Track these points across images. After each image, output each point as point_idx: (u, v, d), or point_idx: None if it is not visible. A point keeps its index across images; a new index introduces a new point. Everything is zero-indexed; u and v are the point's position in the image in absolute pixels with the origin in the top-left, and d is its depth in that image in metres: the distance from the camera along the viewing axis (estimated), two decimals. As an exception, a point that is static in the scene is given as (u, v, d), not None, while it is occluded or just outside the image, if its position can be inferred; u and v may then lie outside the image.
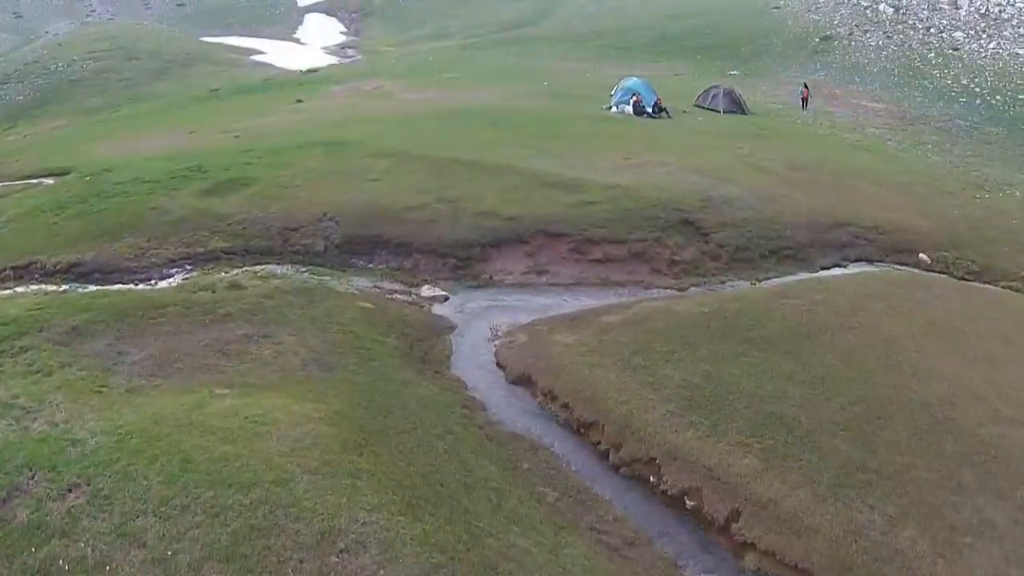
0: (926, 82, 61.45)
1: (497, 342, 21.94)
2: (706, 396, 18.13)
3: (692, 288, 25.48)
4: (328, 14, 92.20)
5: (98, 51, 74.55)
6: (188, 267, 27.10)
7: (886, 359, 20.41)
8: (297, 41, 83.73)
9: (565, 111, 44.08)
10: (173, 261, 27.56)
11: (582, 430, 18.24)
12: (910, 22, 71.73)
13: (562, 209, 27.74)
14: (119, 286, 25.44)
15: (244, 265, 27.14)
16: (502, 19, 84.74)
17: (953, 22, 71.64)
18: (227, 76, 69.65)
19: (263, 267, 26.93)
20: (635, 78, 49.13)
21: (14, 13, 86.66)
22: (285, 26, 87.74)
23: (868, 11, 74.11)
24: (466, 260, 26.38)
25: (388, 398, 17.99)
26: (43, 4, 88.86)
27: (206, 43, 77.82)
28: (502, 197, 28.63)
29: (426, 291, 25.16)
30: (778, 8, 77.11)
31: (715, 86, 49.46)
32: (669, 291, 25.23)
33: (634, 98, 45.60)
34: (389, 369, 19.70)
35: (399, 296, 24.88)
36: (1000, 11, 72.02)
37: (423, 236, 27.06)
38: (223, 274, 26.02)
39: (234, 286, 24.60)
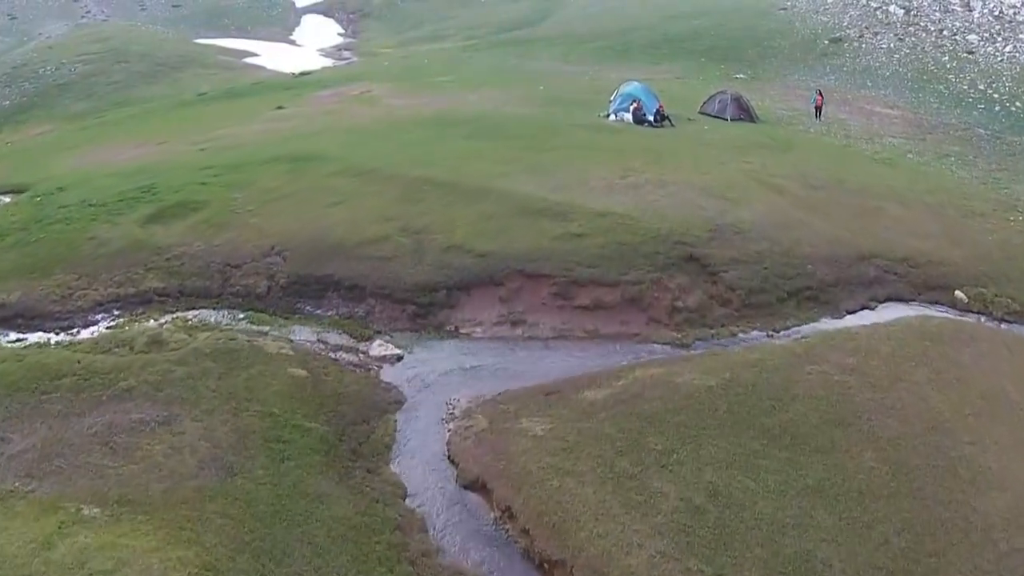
0: (941, 87, 55.73)
1: (452, 425, 16.75)
2: (710, 526, 12.99)
3: (697, 343, 20.24)
4: (326, 15, 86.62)
5: (88, 54, 69.37)
6: (116, 312, 23.07)
7: (936, 456, 15.41)
8: (293, 43, 78.39)
9: (559, 119, 38.71)
10: (100, 304, 23.41)
11: (545, 567, 13.08)
12: (922, 24, 65.88)
13: (545, 243, 22.48)
14: (39, 335, 22.00)
15: (177, 310, 22.81)
16: (501, 20, 79.16)
17: (966, 24, 65.77)
18: (218, 79, 64.42)
19: (197, 312, 22.54)
20: (635, 82, 43.64)
21: (8, 15, 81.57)
22: (282, 27, 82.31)
23: (878, 12, 68.26)
24: (428, 307, 21.23)
25: (290, 529, 12.89)
26: (38, 5, 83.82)
27: (200, 45, 72.60)
28: (476, 228, 23.41)
29: (377, 348, 20.00)
30: (784, 9, 71.31)
31: (722, 92, 43.92)
32: (669, 347, 20.02)
33: (634, 104, 40.09)
34: (305, 474, 14.61)
35: (343, 355, 19.75)
36: (1015, 13, 66.07)
37: (379, 277, 21.90)
38: (151, 322, 21.98)
39: (154, 342, 20.33)
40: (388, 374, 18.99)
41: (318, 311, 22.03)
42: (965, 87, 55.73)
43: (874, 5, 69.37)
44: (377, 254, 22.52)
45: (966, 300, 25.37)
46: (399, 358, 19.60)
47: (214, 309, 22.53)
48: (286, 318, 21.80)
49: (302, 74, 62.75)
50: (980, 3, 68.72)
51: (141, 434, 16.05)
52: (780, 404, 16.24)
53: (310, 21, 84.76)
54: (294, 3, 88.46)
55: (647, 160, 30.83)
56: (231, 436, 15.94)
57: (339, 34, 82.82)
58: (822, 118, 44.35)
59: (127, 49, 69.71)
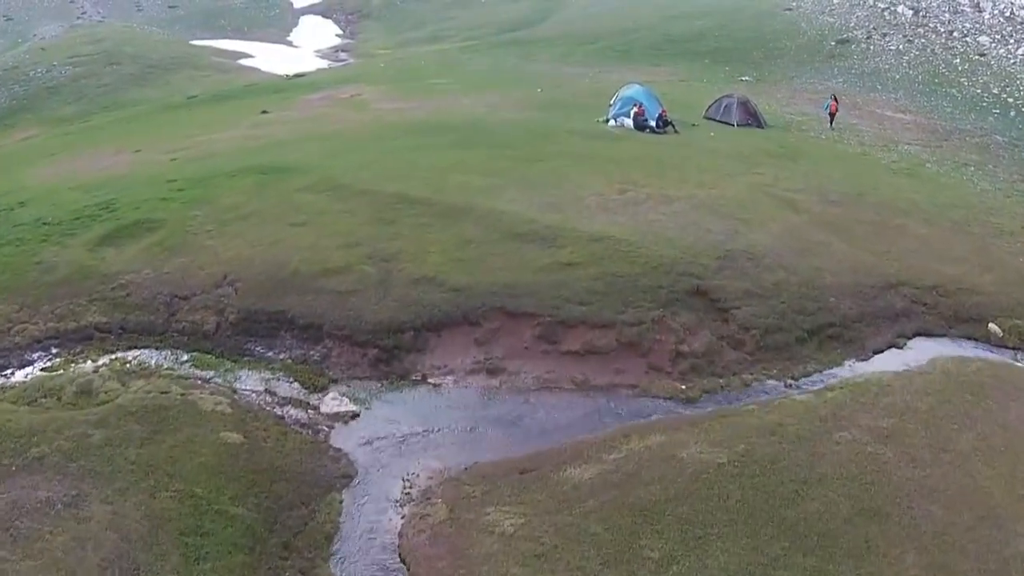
0: (954, 91, 52.06)
1: (408, 510, 13.41)
2: None
3: (705, 398, 16.83)
4: (324, 16, 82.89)
5: (80, 56, 66.04)
6: (54, 350, 19.95)
7: (987, 555, 11.95)
8: (290, 44, 74.87)
9: (555, 124, 35.27)
10: (39, 341, 20.27)
11: None
12: (931, 25, 62.13)
13: (529, 275, 19.07)
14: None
15: (117, 349, 19.72)
16: (501, 21, 75.54)
17: (977, 26, 62.01)
18: (210, 82, 61.09)
19: (138, 353, 19.39)
20: (637, 85, 40.14)
21: (4, 16, 78.28)
22: (279, 29, 78.74)
23: (886, 13, 64.51)
24: (392, 351, 17.85)
25: None
26: (34, 6, 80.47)
27: (194, 46, 69.21)
28: (451, 255, 20.03)
29: (330, 402, 16.67)
30: (790, 9, 67.55)
31: (728, 95, 40.35)
32: (672, 403, 16.63)
33: (635, 109, 36.58)
34: (217, 585, 11.30)
35: (291, 412, 16.44)
36: (1027, 13, 62.44)
37: (338, 315, 18.54)
38: (88, 363, 18.88)
39: (83, 392, 17.52)
40: (339, 437, 15.66)
41: (269, 353, 18.71)
42: (978, 91, 52.10)
43: (881, 6, 65.63)
44: (337, 287, 19.15)
45: (1000, 334, 22.02)
46: (354, 416, 16.25)
47: (156, 349, 19.28)
48: (234, 361, 18.50)
49: (296, 76, 59.40)
50: (990, 4, 64.98)
51: (45, 518, 12.89)
52: (805, 489, 12.91)
53: (308, 22, 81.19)
54: (292, 4, 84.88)
55: (648, 172, 27.42)
56: (144, 525, 12.70)
57: (337, 35, 79.26)
58: (835, 125, 40.66)
59: (119, 51, 66.40)
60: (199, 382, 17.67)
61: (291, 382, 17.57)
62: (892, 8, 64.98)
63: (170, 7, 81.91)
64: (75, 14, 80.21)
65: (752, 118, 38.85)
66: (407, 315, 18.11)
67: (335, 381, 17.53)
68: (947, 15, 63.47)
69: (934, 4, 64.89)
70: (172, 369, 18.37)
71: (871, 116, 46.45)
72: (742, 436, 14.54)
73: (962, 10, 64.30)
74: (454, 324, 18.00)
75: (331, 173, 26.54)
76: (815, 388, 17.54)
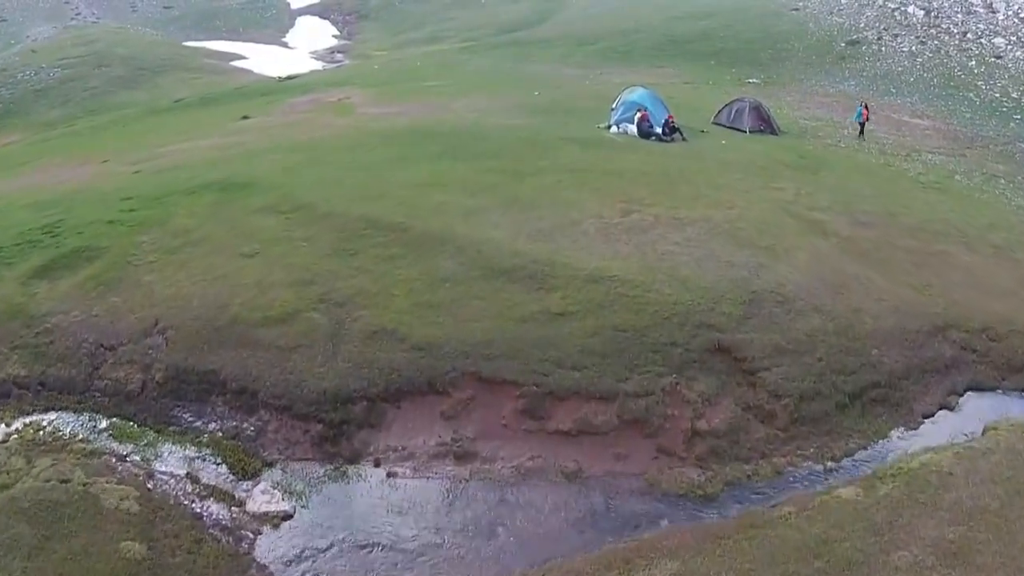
0: (971, 94, 47.81)
1: None
2: None
3: (727, 491, 12.79)
4: (321, 16, 78.39)
5: (69, 58, 62.01)
6: None
7: None
8: (285, 45, 70.62)
9: (551, 131, 31.10)
10: None
11: None
12: (943, 26, 57.71)
13: (511, 329, 14.98)
14: None
15: (35, 410, 15.92)
16: (500, 22, 71.15)
17: (991, 27, 57.59)
18: (200, 84, 57.05)
19: (55, 417, 15.57)
20: (641, 88, 35.91)
21: (-2, 17, 74.42)
22: (275, 29, 74.38)
23: (896, 13, 60.04)
24: (340, 426, 13.84)
25: None
26: (28, 7, 76.34)
27: (187, 48, 65.09)
28: (419, 300, 15.94)
29: (259, 497, 12.73)
30: (796, 9, 63.07)
31: (738, 99, 36.10)
32: (687, 501, 12.59)
33: (639, 114, 32.33)
34: None
35: (212, 508, 12.52)
36: (1042, 14, 58.06)
37: (276, 378, 14.52)
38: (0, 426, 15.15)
39: None
40: (266, 547, 11.69)
41: (198, 422, 14.74)
42: (997, 95, 47.83)
43: (891, 6, 61.18)
44: (279, 341, 15.12)
45: (1061, 387, 18.06)
46: (287, 517, 12.28)
47: (75, 412, 15.46)
48: (157, 431, 14.58)
49: (288, 78, 55.35)
50: (1004, 4, 60.56)
51: None
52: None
53: (304, 23, 76.84)
54: (289, 4, 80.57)
55: (656, 188, 23.28)
56: None
57: (334, 36, 74.98)
58: (861, 134, 36.13)
59: (110, 53, 62.37)
60: (112, 462, 13.83)
61: (218, 464, 13.60)
62: (902, 8, 60.55)
63: (165, 8, 77.72)
64: (69, 15, 76.17)
65: (765, 124, 34.66)
66: (359, 381, 14.06)
67: (270, 464, 13.54)
68: (960, 15, 59.06)
69: (946, 4, 60.46)
70: (87, 441, 14.52)
71: (888, 121, 42.21)
72: (778, 561, 10.53)
73: (975, 11, 59.88)
74: (416, 393, 13.96)
75: (296, 190, 22.49)
76: (861, 474, 13.50)
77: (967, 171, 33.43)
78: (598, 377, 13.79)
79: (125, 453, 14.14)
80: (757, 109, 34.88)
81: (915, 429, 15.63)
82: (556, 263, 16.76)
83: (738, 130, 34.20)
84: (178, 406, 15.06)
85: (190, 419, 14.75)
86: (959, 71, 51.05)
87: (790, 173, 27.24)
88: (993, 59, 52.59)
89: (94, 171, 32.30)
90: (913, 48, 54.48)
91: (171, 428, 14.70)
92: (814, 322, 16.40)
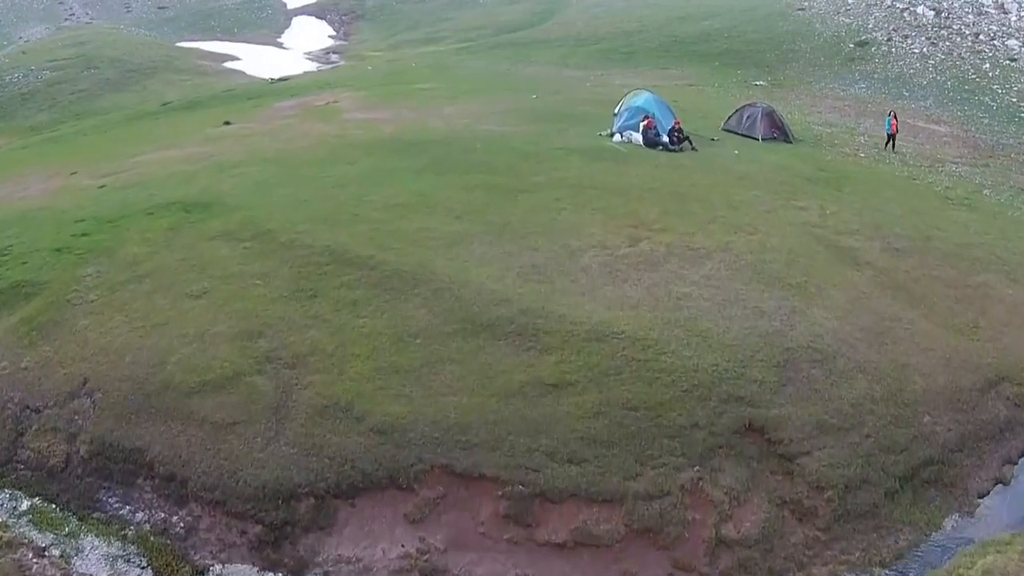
0: (987, 99, 44.39)
1: None
2: None
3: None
4: (318, 17, 74.45)
5: (58, 60, 58.43)
6: None
7: None
8: (280, 46, 67.03)
9: (549, 140, 27.76)
10: None
11: None
12: (955, 27, 54.11)
13: (494, 407, 11.72)
14: None
15: None
16: (499, 22, 67.49)
17: (1003, 28, 54.04)
18: (189, 86, 53.57)
19: None
20: (646, 92, 32.50)
21: (-9, 18, 70.87)
22: (270, 30, 70.63)
23: (905, 14, 56.39)
24: (283, 528, 10.64)
25: None
26: (22, 8, 72.69)
27: (179, 49, 61.49)
28: (382, 363, 12.69)
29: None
30: (802, 10, 59.36)
31: (750, 104, 32.68)
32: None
33: (645, 121, 28.93)
34: None
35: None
36: (1055, 15, 54.54)
37: (209, 464, 11.40)
38: None
39: None
40: None
41: (124, 510, 11.68)
42: (1014, 99, 44.44)
43: (900, 6, 57.56)
44: (215, 414, 11.94)
45: None
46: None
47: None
48: (81, 518, 11.50)
49: (279, 80, 51.91)
50: (1016, 5, 57.01)
51: None
52: None
53: (300, 23, 73.14)
54: (285, 4, 76.85)
55: (666, 209, 19.94)
56: None
57: (330, 36, 71.28)
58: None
59: (100, 54, 58.84)
60: (29, 558, 10.67)
61: (143, 567, 10.39)
62: (912, 8, 56.96)
63: (159, 8, 74.07)
64: (63, 16, 72.55)
65: (779, 131, 31.31)
66: (305, 472, 10.86)
67: (201, 573, 10.30)
68: (971, 16, 55.47)
69: (956, 5, 56.86)
70: (4, 527, 11.34)
71: (904, 127, 38.62)
72: None
73: (986, 11, 56.32)
74: (375, 488, 10.81)
75: (260, 213, 19.18)
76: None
77: (994, 184, 30.05)
78: (601, 474, 10.53)
79: (44, 545, 11.09)
80: (770, 115, 31.53)
81: (971, 514, 12.57)
82: (551, 314, 13.42)
83: (750, 137, 30.86)
84: (104, 488, 11.97)
85: (116, 505, 11.65)
86: (973, 74, 47.60)
87: (812, 188, 23.90)
88: (1008, 62, 49.13)
89: (60, 185, 29.02)
90: (924, 50, 50.99)
91: (96, 515, 11.56)
92: (859, 386, 13.12)
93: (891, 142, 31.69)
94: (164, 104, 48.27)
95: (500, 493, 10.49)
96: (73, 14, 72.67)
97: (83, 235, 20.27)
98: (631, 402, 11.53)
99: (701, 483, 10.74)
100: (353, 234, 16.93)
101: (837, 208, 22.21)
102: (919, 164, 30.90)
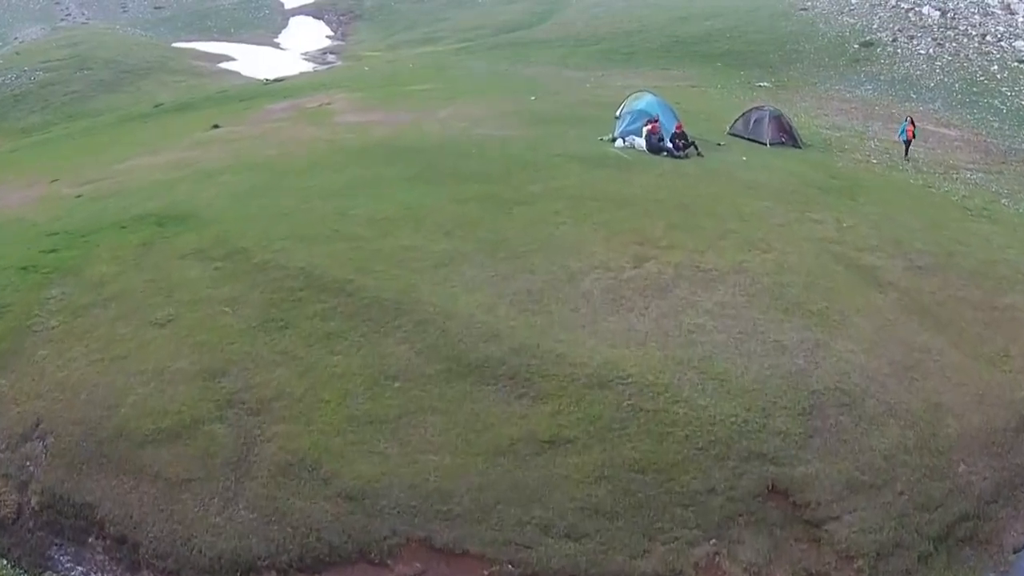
0: (996, 102, 42.54)
1: None
2: None
3: None
4: (315, 17, 72.42)
5: (52, 60, 56.65)
6: None
7: None
8: (277, 46, 65.16)
9: (547, 145, 26.02)
10: None
11: None
12: (961, 28, 52.25)
13: (480, 469, 10.08)
14: None
15: None
16: (498, 22, 65.59)
17: (1011, 29, 52.16)
18: (183, 87, 51.83)
19: None
20: (649, 94, 30.68)
21: (-15, 18, 69.02)
22: (267, 30, 68.67)
23: (910, 14, 54.54)
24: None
25: None
26: (17, 9, 70.79)
27: (175, 49, 59.65)
28: (354, 414, 10.99)
29: None
30: (805, 10, 57.53)
31: (757, 108, 30.87)
32: None
33: (649, 126, 27.07)
34: None
35: None
36: (1061, 16, 52.69)
37: (161, 528, 9.89)
38: None
39: None
40: None
41: (75, 572, 9.96)
42: (1023, 102, 42.69)
43: (905, 6, 55.72)
44: (169, 468, 10.41)
45: None
46: None
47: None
48: None
49: (274, 81, 50.19)
50: (1023, 6, 55.18)
51: None
52: None
53: (298, 23, 71.22)
54: (283, 4, 74.90)
55: (673, 222, 18.19)
56: None
57: (327, 37, 69.36)
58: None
59: (94, 55, 57.06)
60: None
61: None
62: (917, 9, 55.13)
63: (156, 8, 72.19)
64: (59, 16, 70.68)
65: (787, 136, 29.56)
66: (266, 542, 9.30)
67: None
68: (977, 17, 53.62)
69: (962, 5, 55.01)
70: None
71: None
72: None
73: (993, 12, 54.46)
74: (344, 563, 9.07)
75: (235, 228, 17.49)
76: None
77: (1011, 193, 28.28)
78: (603, 551, 8.91)
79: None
80: (778, 119, 29.76)
81: (1006, 573, 10.80)
82: (547, 353, 11.69)
83: (757, 142, 29.10)
84: (56, 545, 10.48)
85: (68, 564, 10.12)
86: (981, 76, 45.77)
87: (825, 199, 22.15)
88: (1016, 64, 47.28)
89: (39, 194, 27.39)
90: (931, 51, 49.15)
91: (47, 574, 9.85)
92: (891, 433, 11.45)
93: (907, 148, 29.78)
94: (156, 106, 46.61)
95: (486, 573, 8.84)
96: (69, 14, 70.81)
97: (52, 251, 18.60)
98: (639, 463, 9.85)
99: (718, 559, 9.13)
100: (332, 254, 15.23)
101: (854, 221, 20.47)
102: (933, 171, 29.16)
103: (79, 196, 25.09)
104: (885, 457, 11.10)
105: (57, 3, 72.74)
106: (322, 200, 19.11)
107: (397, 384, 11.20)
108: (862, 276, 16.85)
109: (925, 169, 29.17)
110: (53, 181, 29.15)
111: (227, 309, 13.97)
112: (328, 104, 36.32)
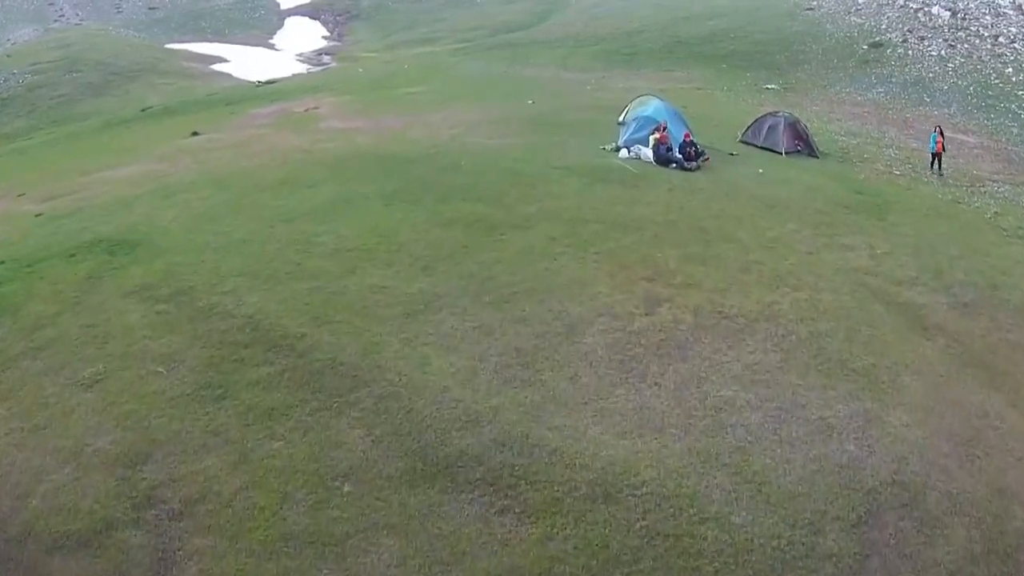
0: (1013, 106, 39.61)
1: None
2: None
3: None
4: (312, 17, 69.15)
5: (42, 63, 53.84)
6: None
7: None
8: (272, 47, 62.18)
9: (545, 156, 23.20)
10: None
11: None
12: (972, 29, 49.31)
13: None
14: None
15: None
16: (497, 22, 62.54)
17: (1023, 31, 49.33)
18: (172, 90, 48.98)
19: None
20: (655, 100, 27.79)
21: (-23, 19, 66.12)
22: (262, 31, 65.54)
23: (919, 14, 51.60)
24: None
25: None
26: (11, 10, 67.74)
27: (167, 51, 56.69)
28: (291, 530, 8.24)
29: None
30: (810, 9, 54.61)
31: (771, 114, 27.93)
32: None
33: (658, 135, 24.04)
34: None
35: None
36: (1075, 16, 49.76)
37: None
38: None
39: None
40: None
41: None
42: (1041, 105, 39.80)
43: (913, 6, 52.76)
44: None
45: None
46: None
47: None
48: None
49: (266, 83, 47.43)
50: (1034, 5, 52.25)
51: None
52: None
53: (294, 24, 68.13)
54: (279, 4, 71.82)
55: (688, 251, 15.41)
56: None
57: (324, 37, 66.35)
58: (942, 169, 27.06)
59: (84, 57, 54.23)
60: None
61: None
62: (926, 9, 52.15)
63: (150, 8, 69.22)
64: (53, 17, 67.74)
65: (803, 144, 26.72)
66: None
67: None
68: (988, 18, 50.64)
69: (972, 5, 52.03)
70: None
71: (928, 138, 34.24)
72: None
73: (1004, 12, 51.46)
74: None
75: (187, 259, 14.77)
76: None
77: (1043, 205, 25.49)
78: None
79: None
80: (793, 126, 26.91)
81: None
82: (538, 448, 8.95)
83: (771, 151, 26.27)
84: None
85: None
86: (996, 79, 42.82)
87: (853, 219, 19.34)
88: (1031, 65, 44.45)
89: (2, 210, 24.72)
90: (943, 52, 46.21)
91: None
92: (957, 538, 8.85)
93: (936, 161, 26.71)
94: (144, 109, 43.84)
95: None
96: (63, 15, 67.88)
97: (-12, 283, 15.94)
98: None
99: None
100: (287, 297, 12.49)
101: (887, 246, 17.69)
102: (959, 183, 26.32)
103: (39, 215, 22.41)
104: (951, 573, 8.44)
105: (51, 4, 69.82)
106: (287, 224, 16.36)
107: (347, 488, 8.52)
108: (906, 318, 14.10)
109: (951, 181, 26.34)
110: (20, 195, 26.50)
111: (161, 369, 11.27)
112: (315, 109, 33.57)
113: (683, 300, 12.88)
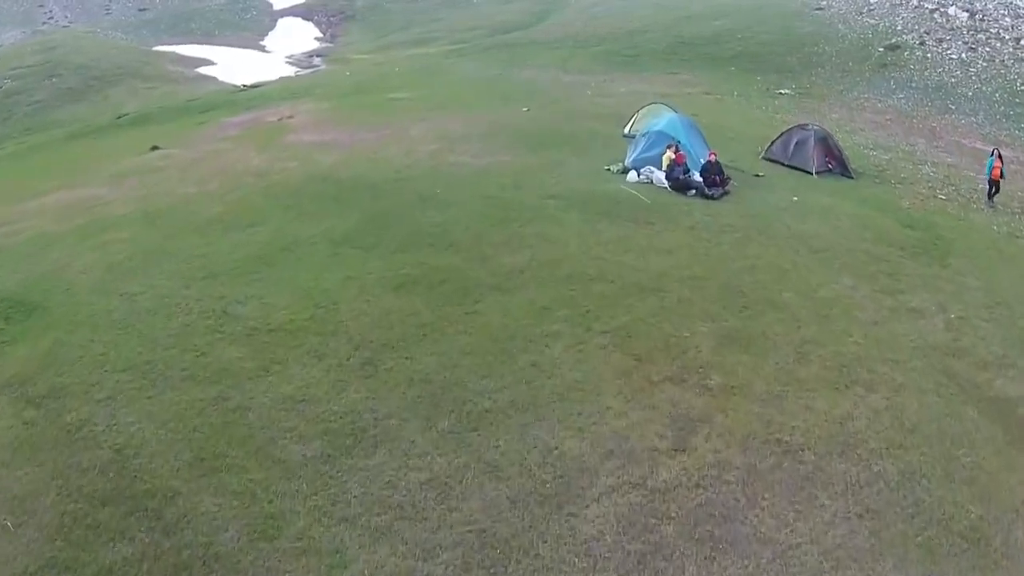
0: (1044, 114, 35.30)
1: None
2: None
3: None
4: (305, 18, 64.28)
5: (22, 67, 49.52)
6: None
7: None
8: (262, 49, 57.72)
9: (538, 182, 18.89)
10: None
11: None
12: (992, 31, 44.72)
13: None
14: None
15: None
16: (494, 23, 57.93)
17: (1044, 29, 44.79)
18: (154, 95, 44.69)
19: None
20: (668, 111, 23.56)
21: (-36, 22, 61.70)
22: (253, 32, 60.77)
23: (936, 15, 47.03)
24: None
25: None
26: (1, 12, 63.29)
27: (152, 53, 52.22)
28: None
29: None
30: (820, 9, 50.04)
31: (801, 126, 23.44)
32: None
33: (673, 155, 19.45)
34: None
35: None
36: (1097, 15, 45.25)
37: None
38: None
39: None
40: None
41: None
42: (1074, 114, 35.42)
43: (929, 7, 48.14)
44: None
45: None
46: None
47: None
48: None
49: (250, 87, 43.13)
50: (1054, 6, 47.70)
51: None
52: None
53: (286, 25, 63.48)
54: (271, 5, 67.15)
55: (722, 327, 11.16)
56: None
57: (316, 39, 61.76)
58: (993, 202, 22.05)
59: (66, 60, 49.85)
60: None
61: None
62: (942, 10, 47.55)
63: (140, 10, 64.71)
64: (41, 19, 63.27)
65: (835, 162, 22.43)
66: None
67: None
68: (1008, 19, 46.00)
69: (990, 6, 47.40)
70: None
71: (960, 150, 29.87)
72: None
73: (1023, 14, 46.97)
74: None
75: (73, 342, 10.70)
76: None
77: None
78: None
79: None
80: (824, 141, 22.56)
81: None
82: None
83: (800, 170, 21.98)
84: None
85: None
86: (1021, 85, 38.37)
87: (913, 267, 15.07)
88: (1057, 68, 39.97)
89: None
90: (963, 55, 41.70)
91: None
92: None
93: (994, 188, 21.90)
94: (118, 117, 39.57)
95: None
96: (52, 17, 63.39)
97: None
98: None
99: None
100: (171, 418, 8.27)
101: (960, 307, 13.49)
102: (1010, 209, 21.99)
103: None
104: None
105: (40, 6, 65.34)
106: (204, 284, 12.19)
107: None
108: (1005, 429, 9.93)
109: (1000, 207, 22.01)
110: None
111: (8, 523, 7.23)
112: (289, 118, 29.30)
113: (725, 420, 8.70)
